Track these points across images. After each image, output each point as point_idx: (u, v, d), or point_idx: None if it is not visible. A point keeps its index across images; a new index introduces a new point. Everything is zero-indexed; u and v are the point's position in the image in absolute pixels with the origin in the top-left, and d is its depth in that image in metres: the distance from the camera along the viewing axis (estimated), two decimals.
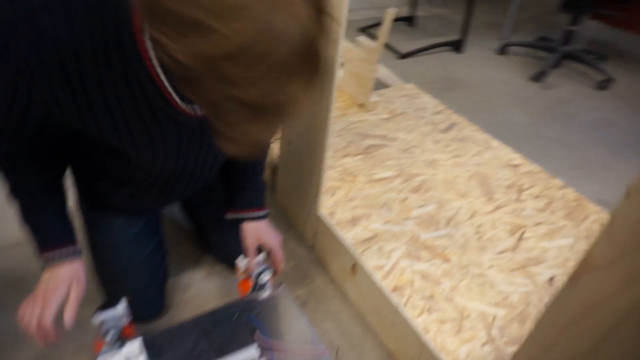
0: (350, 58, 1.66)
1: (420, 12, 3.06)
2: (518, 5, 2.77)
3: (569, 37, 2.43)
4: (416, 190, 1.30)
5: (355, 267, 1.09)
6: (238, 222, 1.01)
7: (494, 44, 2.77)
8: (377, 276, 1.03)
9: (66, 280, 0.78)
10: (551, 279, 1.07)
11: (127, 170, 0.81)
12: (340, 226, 1.15)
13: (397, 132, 1.56)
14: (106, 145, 0.72)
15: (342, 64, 1.72)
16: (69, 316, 0.76)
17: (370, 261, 1.07)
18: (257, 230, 0.99)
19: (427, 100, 1.77)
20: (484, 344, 0.91)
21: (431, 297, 1.00)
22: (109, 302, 0.85)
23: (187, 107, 0.68)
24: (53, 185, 0.80)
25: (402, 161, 1.41)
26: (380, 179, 1.33)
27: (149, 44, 0.57)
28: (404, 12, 3.02)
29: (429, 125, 1.61)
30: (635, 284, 0.49)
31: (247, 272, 0.99)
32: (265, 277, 0.97)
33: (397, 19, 2.99)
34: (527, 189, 1.35)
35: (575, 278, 0.55)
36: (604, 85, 2.35)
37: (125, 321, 0.85)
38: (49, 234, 0.78)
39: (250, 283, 1.00)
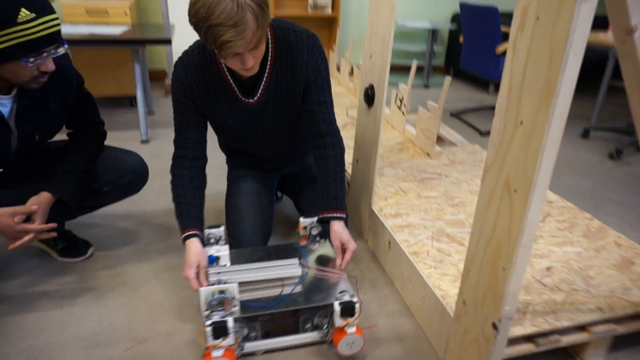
0: (422, 118, 2.13)
1: None
2: (604, 96, 3.00)
3: None
4: (454, 205, 1.65)
5: (390, 243, 1.46)
6: (326, 220, 1.31)
7: (579, 129, 2.99)
8: (403, 245, 1.39)
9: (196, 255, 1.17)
10: (549, 268, 1.30)
11: (229, 138, 1.41)
12: (385, 217, 1.55)
13: (452, 172, 1.93)
14: (215, 124, 1.35)
15: (415, 124, 2.20)
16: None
17: (401, 237, 1.43)
18: (341, 233, 1.26)
19: None
20: None
21: (440, 261, 1.32)
22: (216, 226, 1.35)
23: (246, 98, 1.26)
24: (198, 178, 1.31)
25: (449, 188, 1.78)
26: (427, 197, 1.71)
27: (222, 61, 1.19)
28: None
29: (482, 170, 1.96)
30: (502, 170, 0.85)
31: (305, 228, 1.42)
32: (315, 231, 1.39)
33: (488, 108, 3.42)
34: (554, 215, 1.59)
35: (484, 177, 0.92)
36: None
37: (223, 240, 1.34)
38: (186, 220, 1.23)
39: (306, 238, 1.43)
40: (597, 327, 1.12)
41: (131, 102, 3.23)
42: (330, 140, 1.32)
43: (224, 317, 1.04)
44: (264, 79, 1.25)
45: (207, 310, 1.07)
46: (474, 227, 0.97)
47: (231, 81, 1.24)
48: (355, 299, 1.12)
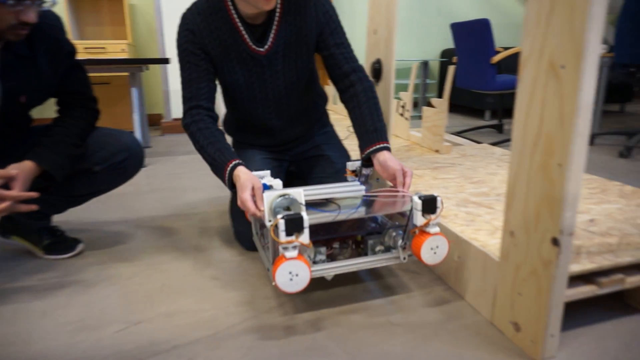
0: (427, 115, 2.08)
1: (507, 124, 3.44)
2: (602, 102, 3.00)
3: None
4: (474, 183, 1.53)
5: None
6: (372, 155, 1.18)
7: None
8: None
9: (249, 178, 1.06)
10: (592, 220, 1.17)
11: (237, 100, 1.31)
12: None
13: (465, 162, 1.84)
14: (224, 79, 1.26)
15: (421, 124, 2.14)
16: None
17: None
18: (391, 160, 1.14)
19: (497, 150, 2.05)
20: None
21: (472, 220, 1.19)
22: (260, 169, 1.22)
23: (257, 47, 1.20)
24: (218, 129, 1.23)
25: (465, 172, 1.67)
26: (443, 178, 1.60)
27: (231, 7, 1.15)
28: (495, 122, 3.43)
29: (495, 159, 1.87)
30: (543, 50, 0.77)
31: (354, 172, 1.28)
32: (366, 171, 1.24)
33: (489, 126, 3.40)
34: (583, 185, 1.48)
35: (521, 71, 0.83)
36: None
37: None
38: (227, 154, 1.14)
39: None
40: None
41: None
42: (357, 77, 1.26)
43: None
44: (274, 26, 1.21)
45: (271, 218, 0.95)
46: (515, 132, 0.86)
47: (241, 29, 1.19)
48: (436, 194, 1.00)
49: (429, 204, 0.98)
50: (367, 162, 1.21)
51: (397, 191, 1.10)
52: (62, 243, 1.36)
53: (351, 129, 2.70)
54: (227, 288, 1.17)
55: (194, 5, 1.21)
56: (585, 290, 0.92)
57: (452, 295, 1.11)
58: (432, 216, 0.98)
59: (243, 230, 1.35)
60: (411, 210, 1.01)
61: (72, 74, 1.24)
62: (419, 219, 0.99)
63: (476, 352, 0.90)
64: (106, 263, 1.32)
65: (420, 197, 0.98)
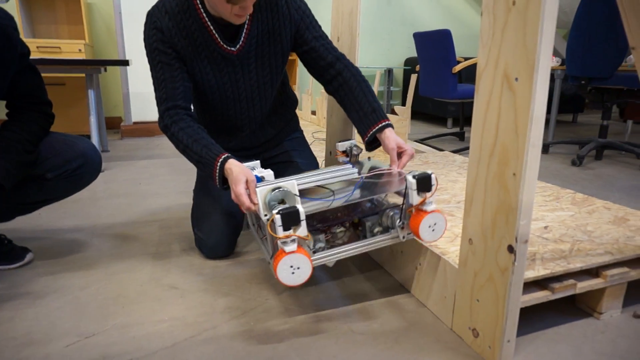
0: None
1: (468, 132, 3.53)
2: (556, 112, 3.14)
3: (604, 131, 2.69)
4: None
5: None
6: (375, 137, 1.19)
7: None
8: None
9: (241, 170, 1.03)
10: (546, 227, 1.21)
11: (209, 101, 1.27)
12: None
13: (427, 169, 1.87)
14: (196, 80, 1.22)
15: None
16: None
17: None
18: (395, 137, 1.17)
19: (458, 157, 2.10)
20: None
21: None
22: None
23: (228, 46, 1.19)
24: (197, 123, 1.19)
25: None
26: None
27: (200, 6, 1.13)
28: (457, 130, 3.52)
29: (456, 166, 1.91)
30: (498, 63, 0.79)
31: (345, 153, 1.28)
32: (356, 151, 1.26)
33: (451, 134, 3.49)
34: (538, 192, 1.54)
35: (478, 82, 0.85)
36: None
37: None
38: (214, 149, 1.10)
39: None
40: (611, 271, 1.02)
41: None
42: (342, 65, 1.27)
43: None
44: (246, 25, 1.20)
45: (267, 213, 0.93)
46: (472, 142, 0.88)
47: (212, 28, 1.17)
48: (429, 172, 1.00)
49: (424, 182, 0.99)
50: (370, 144, 1.23)
51: (391, 170, 1.13)
52: (8, 253, 1.28)
53: (316, 135, 2.71)
54: (186, 297, 1.13)
55: (160, 3, 1.17)
56: (539, 296, 0.95)
57: (414, 302, 1.12)
58: (428, 194, 0.99)
59: (204, 238, 1.32)
60: (406, 189, 1.01)
61: (24, 77, 1.18)
62: (414, 198, 0.99)
63: (435, 358, 0.91)
64: (58, 273, 1.26)
65: (414, 176, 0.99)
